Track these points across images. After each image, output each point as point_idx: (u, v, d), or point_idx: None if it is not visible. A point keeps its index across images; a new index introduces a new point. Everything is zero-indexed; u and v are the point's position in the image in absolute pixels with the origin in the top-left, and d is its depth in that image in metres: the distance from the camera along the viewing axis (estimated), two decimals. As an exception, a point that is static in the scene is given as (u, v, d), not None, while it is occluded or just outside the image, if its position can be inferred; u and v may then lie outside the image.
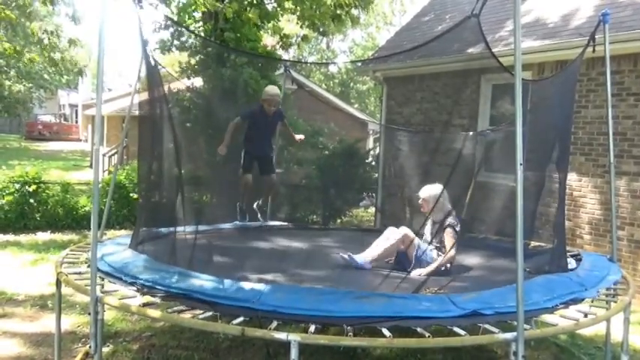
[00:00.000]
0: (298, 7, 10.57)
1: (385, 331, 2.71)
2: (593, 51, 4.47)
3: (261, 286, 3.19)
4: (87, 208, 9.35)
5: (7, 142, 30.11)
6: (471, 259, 4.84)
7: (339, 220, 10.37)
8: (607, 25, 4.32)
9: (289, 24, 14.46)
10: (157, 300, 3.16)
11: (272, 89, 5.98)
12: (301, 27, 11.69)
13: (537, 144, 4.59)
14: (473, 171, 5.83)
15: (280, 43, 11.41)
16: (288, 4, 10.70)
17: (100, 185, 5.61)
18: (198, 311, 2.97)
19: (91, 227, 3.13)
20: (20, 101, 30.17)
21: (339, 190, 10.10)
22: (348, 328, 2.76)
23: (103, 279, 3.45)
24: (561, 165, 4.46)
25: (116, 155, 13.83)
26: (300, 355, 2.60)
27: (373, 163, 10.95)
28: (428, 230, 4.78)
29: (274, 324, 2.77)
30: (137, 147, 5.28)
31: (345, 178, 10.07)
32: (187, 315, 3.00)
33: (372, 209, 11.41)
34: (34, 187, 9.05)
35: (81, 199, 9.75)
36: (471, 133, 7.04)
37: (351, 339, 2.72)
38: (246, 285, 3.23)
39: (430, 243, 4.56)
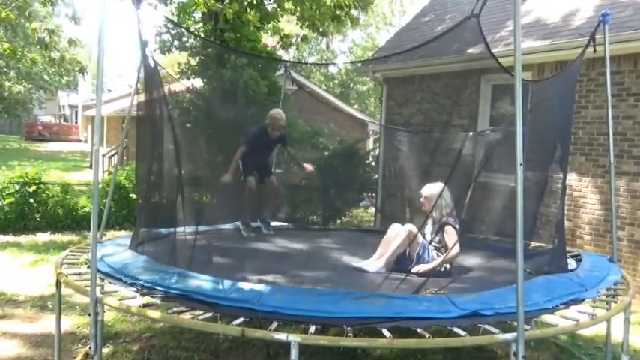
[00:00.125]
0: (298, 8, 10.58)
1: (385, 332, 2.71)
2: (594, 51, 4.47)
3: (261, 287, 3.19)
4: (87, 209, 9.36)
5: (7, 143, 30.11)
6: (471, 260, 4.84)
7: (339, 221, 10.35)
8: (607, 26, 4.32)
9: (289, 24, 14.45)
10: (157, 301, 3.16)
11: (277, 114, 5.85)
12: (301, 27, 11.70)
13: (537, 144, 4.59)
14: (473, 171, 5.83)
15: (280, 43, 11.42)
16: (287, 5, 10.71)
17: (100, 186, 5.60)
18: (198, 312, 2.97)
19: (91, 228, 3.13)
20: (20, 102, 30.20)
21: (339, 190, 10.09)
22: (348, 328, 2.76)
23: (102, 280, 3.46)
24: (561, 165, 4.46)
25: (116, 156, 13.85)
26: (300, 355, 2.60)
27: (373, 163, 10.93)
28: (428, 230, 4.77)
29: (274, 325, 2.77)
30: (135, 148, 5.26)
31: (345, 178, 10.06)
32: (187, 316, 3.00)
33: (372, 210, 11.42)
34: (34, 187, 9.05)
35: (81, 200, 9.75)
36: (470, 133, 7.04)
37: (351, 339, 2.73)
38: (246, 286, 3.23)
39: (430, 243, 4.56)
